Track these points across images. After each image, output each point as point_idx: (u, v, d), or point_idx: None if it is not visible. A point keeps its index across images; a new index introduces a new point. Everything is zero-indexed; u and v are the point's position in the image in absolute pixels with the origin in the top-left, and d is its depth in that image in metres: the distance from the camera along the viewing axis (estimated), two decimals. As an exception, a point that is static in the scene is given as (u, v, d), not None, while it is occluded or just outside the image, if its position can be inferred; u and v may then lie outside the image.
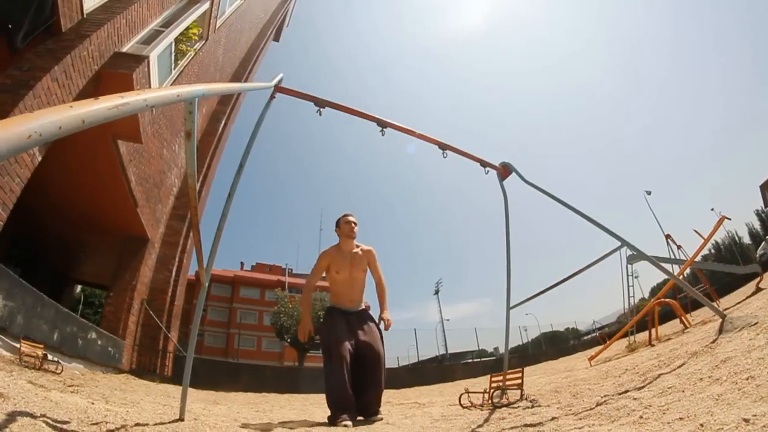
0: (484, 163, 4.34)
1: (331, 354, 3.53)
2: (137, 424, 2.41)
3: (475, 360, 24.14)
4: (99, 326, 8.06)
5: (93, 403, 3.07)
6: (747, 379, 1.84)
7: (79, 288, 21.24)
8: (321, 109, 3.53)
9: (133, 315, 9.52)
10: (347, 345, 3.58)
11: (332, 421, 3.31)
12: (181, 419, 2.79)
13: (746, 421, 1.39)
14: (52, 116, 0.69)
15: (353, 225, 3.98)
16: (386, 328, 3.88)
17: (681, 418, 1.65)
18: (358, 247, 4.00)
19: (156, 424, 2.50)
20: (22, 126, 0.61)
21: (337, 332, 3.63)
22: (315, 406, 5.91)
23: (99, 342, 7.53)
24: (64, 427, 2.11)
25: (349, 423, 3.16)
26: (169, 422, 2.66)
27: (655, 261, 3.61)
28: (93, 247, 11.43)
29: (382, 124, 3.71)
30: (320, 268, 3.94)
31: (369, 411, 3.59)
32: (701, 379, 2.19)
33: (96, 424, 2.29)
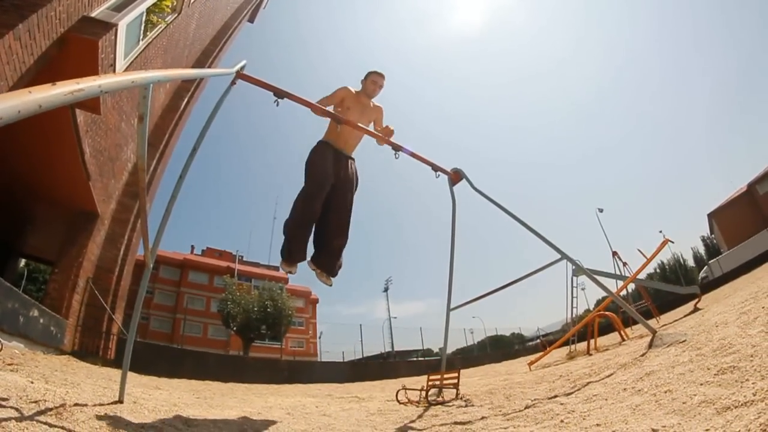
0: (435, 167, 4.43)
1: (312, 184, 3.63)
2: (76, 404, 2.37)
3: (419, 359, 24.51)
4: (42, 304, 7.67)
5: (32, 382, 2.99)
6: (665, 392, 1.98)
7: (23, 262, 20.07)
8: (279, 100, 3.50)
9: (78, 294, 9.09)
10: (328, 181, 3.67)
11: (286, 257, 3.62)
12: (120, 401, 2.76)
13: (654, 431, 1.53)
14: (11, 101, 0.70)
15: (378, 88, 4.09)
16: (388, 134, 4.03)
17: (598, 425, 1.78)
18: (372, 104, 4.12)
19: (95, 405, 2.47)
20: (-18, 110, 0.63)
21: (324, 163, 3.70)
22: (257, 396, 5.91)
23: (41, 320, 7.17)
24: (3, 403, 2.07)
25: (294, 270, 3.61)
26: (108, 404, 2.63)
27: (594, 276, 3.82)
28: (40, 219, 10.83)
29: (339, 121, 3.75)
30: (337, 96, 3.96)
31: (329, 264, 3.77)
32: (625, 389, 2.34)
33: (35, 402, 2.25)
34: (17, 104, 0.71)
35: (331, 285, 3.89)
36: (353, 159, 4.09)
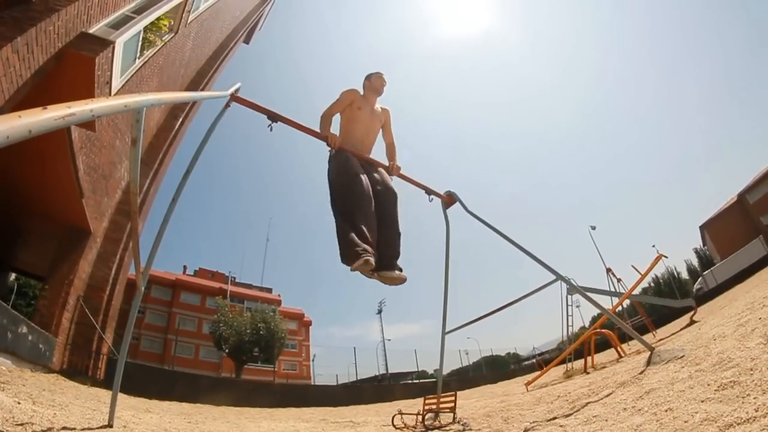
0: (429, 191, 4.45)
1: (350, 189, 3.27)
2: (64, 428, 2.32)
3: (414, 381, 24.28)
4: (31, 320, 7.53)
5: (19, 403, 2.92)
6: (666, 410, 1.96)
7: (13, 276, 19.73)
8: (273, 124, 3.49)
9: (68, 312, 8.96)
10: (366, 179, 3.39)
11: (353, 253, 2.96)
12: (109, 425, 2.70)
13: (657, 451, 1.50)
14: (1, 126, 0.69)
15: (384, 83, 3.99)
16: (395, 173, 3.88)
17: (599, 447, 1.75)
18: (380, 106, 4.05)
19: (83, 429, 2.40)
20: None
21: (353, 166, 3.42)
22: (249, 420, 5.82)
23: (30, 337, 7.02)
24: (-12, 425, 2.01)
25: (372, 259, 2.91)
26: (98, 428, 2.57)
27: (587, 295, 3.81)
28: (31, 234, 10.69)
29: (332, 145, 3.65)
30: (346, 99, 3.83)
31: (391, 263, 3.27)
32: (625, 409, 2.31)
33: (21, 425, 2.20)
34: (6, 129, 0.70)
35: (403, 281, 3.24)
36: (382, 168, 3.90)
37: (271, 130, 3.49)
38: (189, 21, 10.45)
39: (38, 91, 5.16)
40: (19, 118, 0.75)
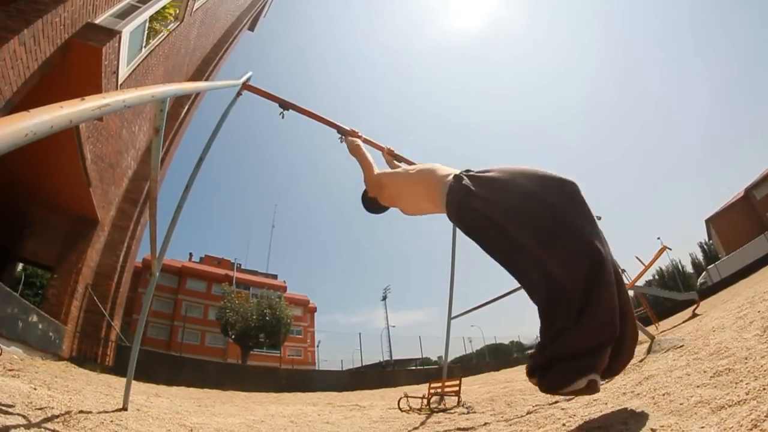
0: None
1: None
2: (81, 411, 2.40)
3: (418, 367, 24.50)
4: (41, 309, 7.64)
5: (35, 389, 3.01)
6: (663, 394, 2.02)
7: (20, 266, 19.95)
8: (284, 112, 3.50)
9: (77, 300, 9.09)
10: None
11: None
12: (124, 409, 2.78)
13: (653, 430, 1.56)
14: (45, 116, 0.74)
15: None
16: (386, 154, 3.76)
17: (598, 427, 1.82)
18: None
19: (99, 413, 2.49)
20: (21, 125, 0.67)
21: None
22: (257, 404, 5.92)
23: (40, 326, 7.17)
24: (9, 410, 2.09)
25: None
26: (113, 411, 2.65)
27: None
28: (39, 224, 10.80)
29: (343, 132, 3.64)
30: None
31: None
32: (624, 393, 2.38)
33: (41, 409, 2.28)
34: (50, 119, 0.76)
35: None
36: None
37: (282, 117, 3.50)
38: (194, 9, 10.44)
39: (46, 82, 5.19)
40: (61, 108, 0.81)
